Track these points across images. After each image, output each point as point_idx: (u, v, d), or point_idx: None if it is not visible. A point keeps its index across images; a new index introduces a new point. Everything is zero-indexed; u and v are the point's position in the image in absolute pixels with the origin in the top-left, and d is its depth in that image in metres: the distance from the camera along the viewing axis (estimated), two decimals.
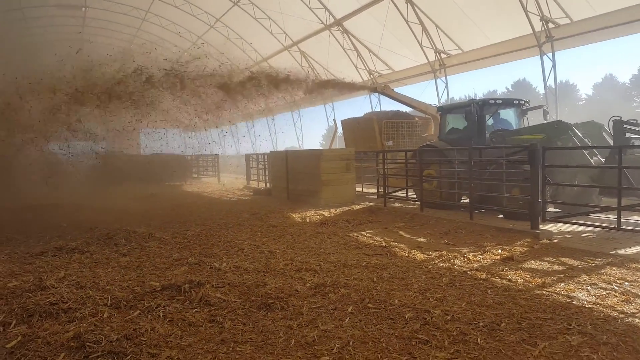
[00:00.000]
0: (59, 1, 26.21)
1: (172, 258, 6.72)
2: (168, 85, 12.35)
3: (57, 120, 12.11)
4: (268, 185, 18.51)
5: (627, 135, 8.02)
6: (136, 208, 12.87)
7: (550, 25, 14.13)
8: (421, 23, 17.92)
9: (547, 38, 14.25)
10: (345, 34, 22.07)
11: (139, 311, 4.37)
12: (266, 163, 19.28)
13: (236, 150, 35.90)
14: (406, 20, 18.03)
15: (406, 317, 4.09)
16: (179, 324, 4.10)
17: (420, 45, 18.48)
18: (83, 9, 27.80)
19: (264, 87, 13.80)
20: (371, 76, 22.62)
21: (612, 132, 8.28)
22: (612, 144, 8.26)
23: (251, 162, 22.72)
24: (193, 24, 28.73)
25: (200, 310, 4.42)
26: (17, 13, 26.74)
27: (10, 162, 12.97)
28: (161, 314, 4.28)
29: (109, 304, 4.51)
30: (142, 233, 8.31)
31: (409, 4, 17.66)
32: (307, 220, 10.22)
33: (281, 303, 4.49)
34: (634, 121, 8.11)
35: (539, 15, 14.02)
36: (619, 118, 8.10)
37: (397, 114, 17.50)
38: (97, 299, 4.60)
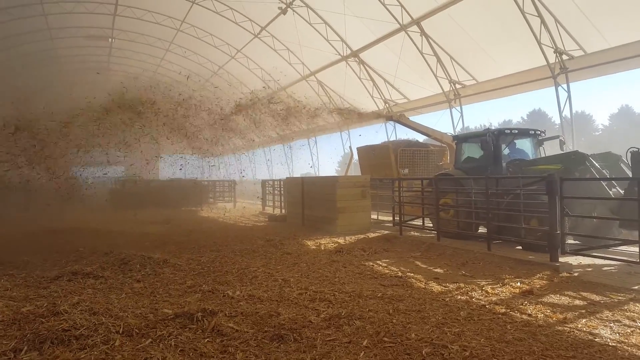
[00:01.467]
0: (88, 32, 27.34)
1: (185, 285, 6.71)
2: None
3: (79, 145, 12.43)
4: (283, 211, 18.53)
5: None
6: (152, 233, 12.97)
7: (564, 57, 14.16)
8: (435, 54, 18.12)
9: (561, 69, 14.26)
10: (361, 65, 22.42)
11: (150, 340, 4.34)
12: (282, 189, 19.37)
13: (253, 175, 36.17)
14: (421, 52, 18.26)
15: (423, 352, 3.98)
16: (191, 354, 4.06)
17: (435, 76, 18.64)
18: (110, 39, 28.91)
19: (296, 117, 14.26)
20: (387, 105, 22.80)
21: (630, 163, 8.15)
22: (630, 176, 8.12)
23: (267, 188, 22.84)
24: (214, 55, 29.57)
25: (212, 340, 4.37)
26: (47, 43, 27.98)
27: (31, 185, 13.26)
28: (173, 343, 4.24)
29: (121, 332, 4.48)
30: (157, 259, 8.33)
31: (423, 37, 17.91)
32: (322, 248, 10.16)
33: (294, 334, 4.42)
34: None
35: (552, 48, 14.09)
36: (637, 149, 7.97)
37: (411, 143, 17.58)
38: (110, 326, 4.58)
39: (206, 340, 4.36)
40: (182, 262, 8.38)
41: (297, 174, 30.95)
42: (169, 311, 5.13)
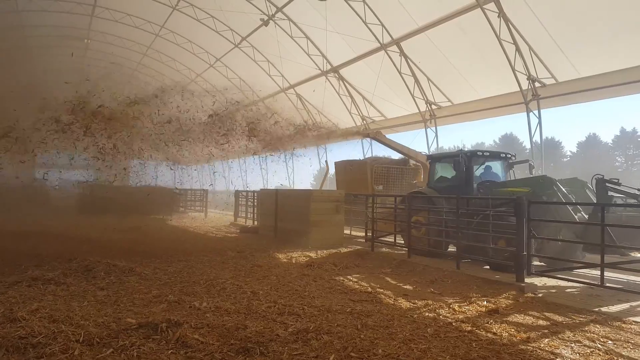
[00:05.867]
0: (64, 32, 26.75)
1: (151, 294, 6.55)
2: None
3: (47, 147, 12.10)
4: (256, 222, 18.37)
5: (610, 193, 8.19)
6: (119, 240, 12.64)
7: (537, 84, 14.66)
8: (413, 75, 18.50)
9: (533, 96, 14.74)
10: (340, 81, 22.68)
11: (112, 349, 4.21)
12: (255, 201, 19.21)
13: (226, 186, 35.81)
14: (399, 72, 18.62)
15: None
16: None
17: (412, 96, 18.99)
18: (85, 40, 28.34)
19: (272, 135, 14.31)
20: (364, 122, 23.07)
21: (595, 189, 8.45)
22: (595, 201, 8.41)
23: (240, 199, 22.62)
24: (193, 62, 29.40)
25: (176, 351, 4.27)
26: (19, 41, 27.20)
27: None
28: (135, 354, 4.13)
29: (81, 340, 4.34)
30: (122, 267, 8.12)
31: (402, 57, 18.29)
32: (293, 261, 10.10)
33: (261, 348, 4.36)
34: (616, 180, 8.30)
35: (525, 75, 14.57)
36: (602, 176, 8.29)
37: (388, 160, 17.80)
38: (70, 334, 4.43)
39: (170, 351, 4.25)
40: (149, 271, 8.19)
41: (271, 186, 30.81)
42: (133, 321, 4.99)
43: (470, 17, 14.94)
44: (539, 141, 15.27)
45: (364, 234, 13.17)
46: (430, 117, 19.14)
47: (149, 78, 32.91)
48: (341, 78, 22.58)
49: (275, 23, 21.57)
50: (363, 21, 17.94)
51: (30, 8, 23.60)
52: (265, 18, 21.35)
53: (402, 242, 11.37)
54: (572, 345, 4.76)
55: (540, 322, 5.66)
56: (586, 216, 8.45)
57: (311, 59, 22.59)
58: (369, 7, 17.61)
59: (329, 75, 22.84)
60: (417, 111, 19.48)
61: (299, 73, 24.57)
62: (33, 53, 29.15)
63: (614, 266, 7.16)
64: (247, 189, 23.12)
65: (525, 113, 15.09)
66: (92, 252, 9.87)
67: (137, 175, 16.07)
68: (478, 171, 10.91)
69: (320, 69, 22.88)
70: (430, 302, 6.57)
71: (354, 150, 24.35)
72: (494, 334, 5.09)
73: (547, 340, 4.90)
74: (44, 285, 6.80)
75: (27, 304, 5.60)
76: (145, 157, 14.29)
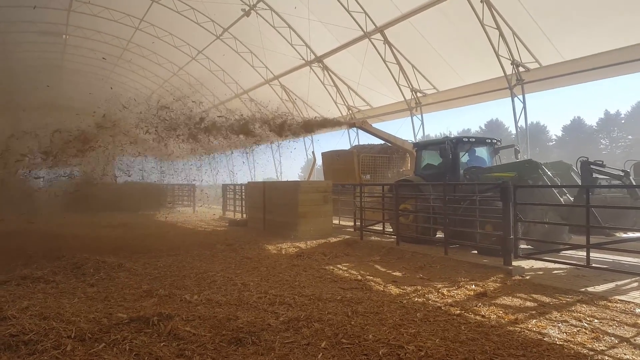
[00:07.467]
0: (40, 28, 26.10)
1: (141, 289, 6.53)
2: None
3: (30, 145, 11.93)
4: (244, 216, 18.34)
5: (594, 175, 8.32)
6: (107, 237, 12.54)
7: (521, 69, 14.76)
8: (398, 63, 18.49)
9: (517, 81, 14.85)
10: (325, 70, 22.57)
11: (104, 344, 4.20)
12: (243, 194, 19.16)
13: (214, 180, 35.57)
14: (384, 60, 18.59)
15: (380, 352, 4.04)
16: (146, 358, 3.96)
17: (398, 84, 19.00)
18: (64, 36, 27.71)
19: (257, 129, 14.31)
20: (350, 111, 23.04)
21: (579, 172, 8.58)
22: (580, 184, 8.54)
23: (228, 193, 22.53)
24: (175, 55, 28.94)
25: (168, 344, 4.27)
26: None
27: None
28: (127, 348, 4.13)
29: (73, 336, 4.32)
30: (111, 263, 8.08)
31: (386, 45, 18.26)
32: (283, 252, 10.12)
33: (253, 338, 4.39)
34: (600, 162, 8.43)
35: (509, 60, 14.66)
36: (586, 159, 8.41)
37: (374, 149, 17.83)
38: (61, 331, 4.41)
39: (162, 344, 4.26)
40: (138, 267, 8.15)
41: (259, 178, 30.70)
42: (124, 315, 4.98)
43: (453, 3, 14.92)
44: (524, 126, 15.41)
45: (352, 223, 13.24)
46: (415, 104, 19.19)
47: (130, 73, 32.46)
48: (325, 68, 22.47)
49: (256, 13, 21.31)
50: (346, 9, 17.83)
51: (4, 3, 22.95)
52: (247, 8, 21.07)
53: (391, 230, 11.45)
54: (559, 325, 4.87)
55: (528, 303, 5.77)
56: (571, 198, 8.59)
57: (294, 49, 22.42)
58: None
59: (313, 65, 22.71)
60: (403, 99, 19.51)
61: (282, 64, 24.36)
62: (8, 49, 28.42)
63: (599, 247, 7.29)
64: (235, 183, 23.03)
65: (510, 98, 15.20)
66: (80, 249, 9.78)
67: (124, 171, 15.92)
68: (464, 157, 10.99)
69: (304, 59, 22.73)
70: (419, 287, 6.65)
71: (341, 141, 24.37)
72: (483, 316, 5.18)
73: (534, 321, 5.00)
74: (33, 283, 6.74)
75: (16, 302, 5.54)
76: (131, 153, 14.18)
